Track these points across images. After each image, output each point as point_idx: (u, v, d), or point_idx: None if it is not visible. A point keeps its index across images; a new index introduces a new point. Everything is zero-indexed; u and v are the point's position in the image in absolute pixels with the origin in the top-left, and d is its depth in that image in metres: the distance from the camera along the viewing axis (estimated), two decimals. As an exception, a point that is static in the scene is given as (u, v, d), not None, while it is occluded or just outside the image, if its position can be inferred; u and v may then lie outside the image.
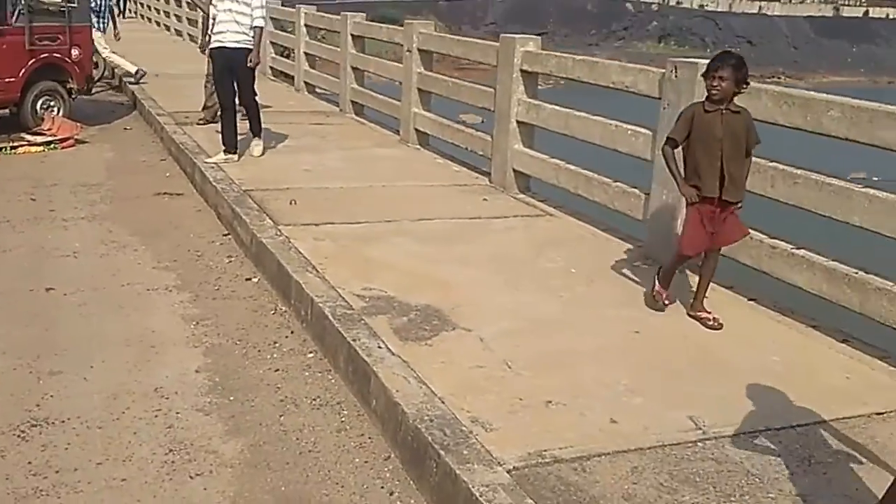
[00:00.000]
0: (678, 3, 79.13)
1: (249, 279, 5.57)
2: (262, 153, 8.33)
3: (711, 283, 4.77)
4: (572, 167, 6.75)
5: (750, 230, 4.75)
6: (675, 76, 5.46)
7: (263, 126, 8.46)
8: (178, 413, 3.86)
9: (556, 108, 7.01)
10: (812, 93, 4.97)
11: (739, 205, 4.52)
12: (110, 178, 8.25)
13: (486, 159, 7.92)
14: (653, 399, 3.71)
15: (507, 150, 7.43)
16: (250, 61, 7.79)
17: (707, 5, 79.14)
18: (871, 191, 4.39)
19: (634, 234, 6.14)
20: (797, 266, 4.69)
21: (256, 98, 8.28)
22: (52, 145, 9.36)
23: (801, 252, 4.72)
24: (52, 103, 10.17)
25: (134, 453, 3.53)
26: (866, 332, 4.48)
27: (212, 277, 5.58)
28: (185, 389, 4.09)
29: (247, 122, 8.31)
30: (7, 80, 9.52)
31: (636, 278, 5.34)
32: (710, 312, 4.63)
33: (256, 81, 8.23)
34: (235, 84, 7.94)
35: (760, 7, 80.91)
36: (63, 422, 3.74)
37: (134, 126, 10.99)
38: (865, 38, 71.44)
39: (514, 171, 7.43)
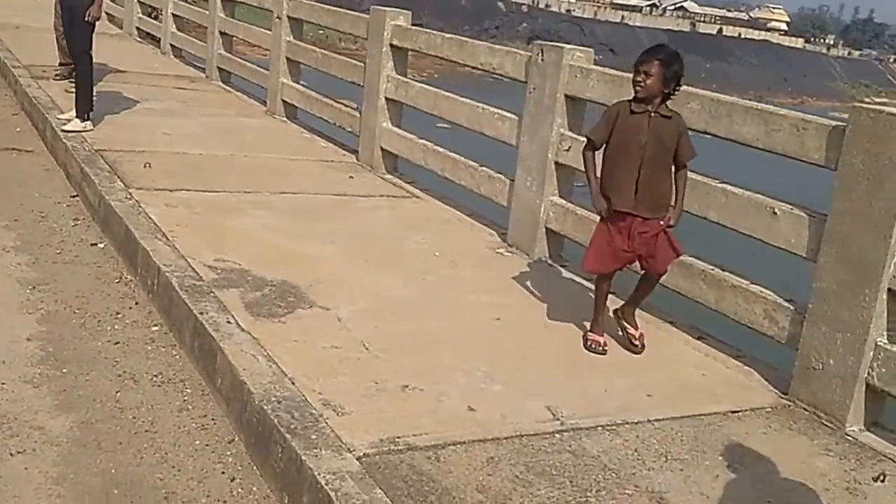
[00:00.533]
0: (547, 6, 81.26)
1: (95, 244, 5.22)
2: (76, 130, 6.96)
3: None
4: (440, 149, 6.69)
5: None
6: (542, 60, 5.46)
7: (124, 87, 7.92)
8: (3, 384, 3.54)
9: (425, 86, 6.94)
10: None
11: (670, 223, 3.98)
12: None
13: (354, 136, 7.75)
14: (512, 388, 3.69)
15: (375, 128, 7.30)
16: (88, 15, 6.93)
17: (574, 11, 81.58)
18: (729, 187, 4.41)
19: (499, 221, 6.14)
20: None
21: (89, 58, 7.21)
22: None
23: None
24: None
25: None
26: (722, 330, 4.59)
27: (55, 240, 5.19)
28: (14, 359, 3.76)
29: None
30: None
31: (499, 265, 5.33)
32: (637, 329, 4.20)
33: (94, 42, 7.30)
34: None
35: (623, 17, 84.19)
36: None
37: (-16, 76, 10.16)
38: (718, 55, 75.40)
39: (382, 149, 7.31)
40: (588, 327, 4.26)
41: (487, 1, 70.26)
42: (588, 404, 3.63)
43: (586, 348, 4.15)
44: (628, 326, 4.22)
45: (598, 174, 4.06)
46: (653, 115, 3.88)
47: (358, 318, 4.17)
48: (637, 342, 4.18)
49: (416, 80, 7.50)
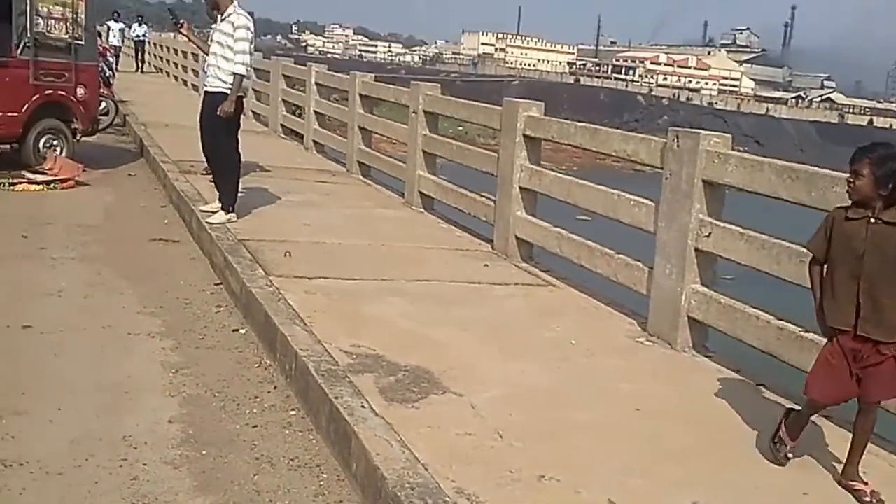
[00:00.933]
0: (688, 99, 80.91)
1: (237, 330, 5.36)
2: (221, 221, 7.23)
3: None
4: (575, 237, 6.59)
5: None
6: (678, 145, 5.33)
7: (267, 181, 8.24)
8: (144, 465, 3.62)
9: (559, 175, 6.89)
10: (816, 168, 4.75)
11: None
12: (107, 220, 8.11)
13: (489, 225, 7.77)
14: (654, 481, 3.46)
15: (509, 217, 7.29)
16: (220, 110, 7.16)
17: (716, 104, 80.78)
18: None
19: (638, 310, 5.93)
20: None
21: (233, 154, 7.55)
22: (52, 185, 9.25)
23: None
24: (54, 142, 10.11)
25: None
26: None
27: (198, 326, 5.38)
28: (156, 440, 3.85)
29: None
30: (9, 114, 9.46)
31: (639, 354, 5.12)
32: (866, 484, 3.48)
33: (238, 138, 7.62)
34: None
35: (768, 109, 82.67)
36: (21, 465, 3.51)
37: (139, 172, 10.91)
38: (871, 146, 72.18)
39: (517, 238, 7.28)
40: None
41: (626, 94, 70.63)
42: (738, 501, 3.35)
43: (773, 445, 3.73)
44: (858, 488, 3.48)
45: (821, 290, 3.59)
46: (872, 220, 3.39)
47: (492, 405, 4.06)
48: (870, 499, 3.43)
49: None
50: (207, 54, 7.49)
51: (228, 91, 7.22)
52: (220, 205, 7.42)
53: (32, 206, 8.28)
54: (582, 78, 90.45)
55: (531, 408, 4.11)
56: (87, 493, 3.36)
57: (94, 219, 8.07)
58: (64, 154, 10.10)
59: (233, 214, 7.40)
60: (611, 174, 17.73)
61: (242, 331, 5.34)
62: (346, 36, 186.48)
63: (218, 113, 7.19)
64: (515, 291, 6.39)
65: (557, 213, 7.25)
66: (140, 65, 28.04)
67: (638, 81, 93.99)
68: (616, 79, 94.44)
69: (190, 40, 8.20)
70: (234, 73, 7.17)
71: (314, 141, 13.15)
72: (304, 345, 4.55)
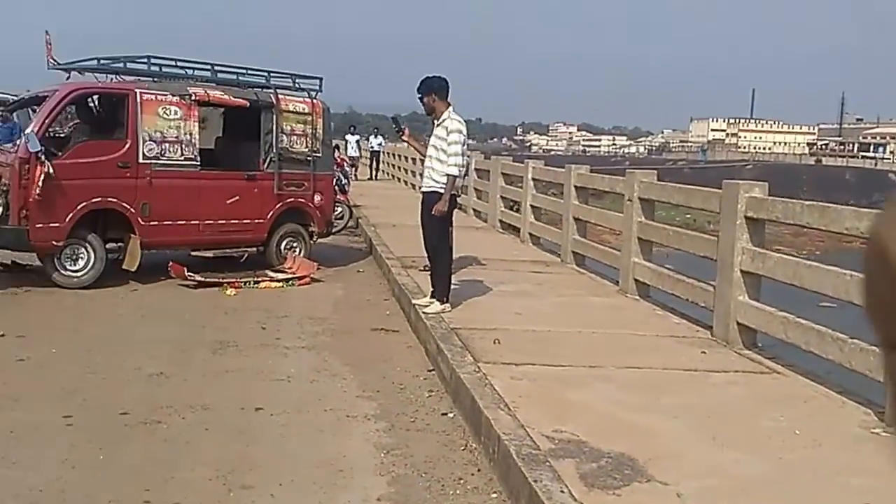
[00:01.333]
0: (951, 174, 74.18)
1: (445, 414, 5.50)
2: (436, 312, 7.50)
3: None
4: (802, 321, 6.18)
5: None
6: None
7: (482, 273, 8.41)
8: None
9: (784, 256, 6.55)
10: None
11: None
12: (335, 313, 8.67)
13: (708, 311, 7.49)
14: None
15: (729, 302, 6.99)
16: (435, 210, 7.51)
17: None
18: None
19: (875, 398, 5.43)
20: None
21: (446, 249, 7.84)
22: (290, 282, 10.06)
23: None
24: (294, 244, 11.04)
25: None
26: None
27: (410, 409, 5.57)
28: (363, 518, 4.01)
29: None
30: (256, 220, 10.49)
31: (873, 446, 4.67)
32: None
33: (452, 234, 7.94)
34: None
35: None
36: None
37: (367, 269, 11.60)
38: None
39: (738, 324, 6.94)
40: None
41: (875, 173, 65.92)
42: None
43: None
44: None
45: None
46: None
47: (700, 495, 3.86)
48: None
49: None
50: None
51: (442, 191, 7.56)
52: (435, 297, 7.71)
53: (272, 301, 9.03)
54: (823, 158, 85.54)
55: (744, 499, 3.86)
56: (299, 564, 3.54)
57: (324, 311, 8.66)
58: (302, 254, 10.99)
59: (447, 305, 7.66)
60: (856, 256, 16.53)
61: (451, 414, 5.47)
62: (570, 133, 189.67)
63: (433, 212, 7.55)
64: (735, 379, 6.07)
65: (796, 300, 6.86)
66: (374, 173, 30.13)
67: (889, 158, 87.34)
68: (863, 157, 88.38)
69: (410, 145, 8.73)
70: (448, 175, 7.52)
71: (530, 234, 13.40)
72: (507, 429, 4.58)
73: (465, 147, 7.85)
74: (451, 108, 7.70)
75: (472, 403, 5.13)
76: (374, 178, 29.74)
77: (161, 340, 7.11)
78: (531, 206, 13.48)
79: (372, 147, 30.50)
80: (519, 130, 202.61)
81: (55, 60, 9.89)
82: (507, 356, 6.17)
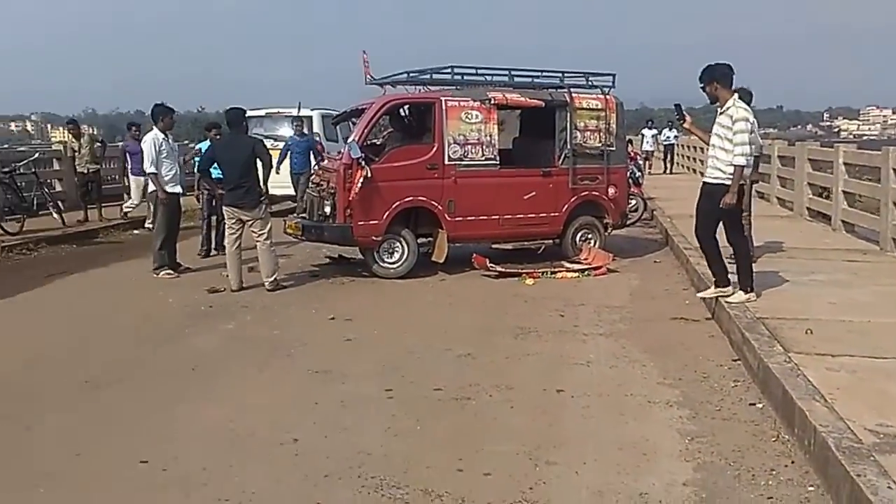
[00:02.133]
0: None
1: (753, 404, 5.31)
2: (740, 301, 7.28)
3: None
4: None
5: None
6: None
7: (790, 263, 7.93)
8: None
9: None
10: None
11: None
12: (632, 302, 8.65)
13: None
14: None
15: None
16: (722, 203, 7.16)
17: None
18: None
19: None
20: None
21: (742, 239, 7.62)
22: (585, 272, 10.19)
23: None
24: (589, 236, 11.16)
25: (609, 549, 3.54)
26: None
27: (714, 398, 5.45)
28: (671, 500, 4.01)
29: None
30: (552, 214, 10.76)
31: None
32: None
33: (747, 224, 7.73)
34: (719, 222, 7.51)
35: None
36: (546, 510, 3.93)
37: (663, 259, 11.43)
38: None
39: None
40: None
41: None
42: None
43: None
44: None
45: None
46: None
47: None
48: None
49: None
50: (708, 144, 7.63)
51: (728, 182, 7.21)
52: (739, 286, 7.43)
53: (568, 291, 9.21)
54: None
55: None
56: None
57: (620, 300, 8.67)
58: (597, 245, 11.08)
59: (752, 294, 7.35)
60: None
61: (759, 405, 5.27)
62: (884, 116, 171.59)
63: (720, 205, 7.22)
64: None
65: None
66: (669, 166, 29.33)
67: None
68: None
69: (693, 133, 8.46)
70: (734, 165, 7.16)
71: (843, 221, 12.39)
72: (824, 421, 4.34)
73: (754, 135, 7.49)
74: (735, 96, 7.35)
75: (784, 394, 4.91)
76: (668, 171, 28.96)
77: (467, 325, 7.55)
78: (843, 191, 12.48)
79: (667, 140, 29.73)
80: (825, 116, 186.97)
81: (372, 76, 10.84)
82: (820, 347, 5.81)
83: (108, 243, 13.37)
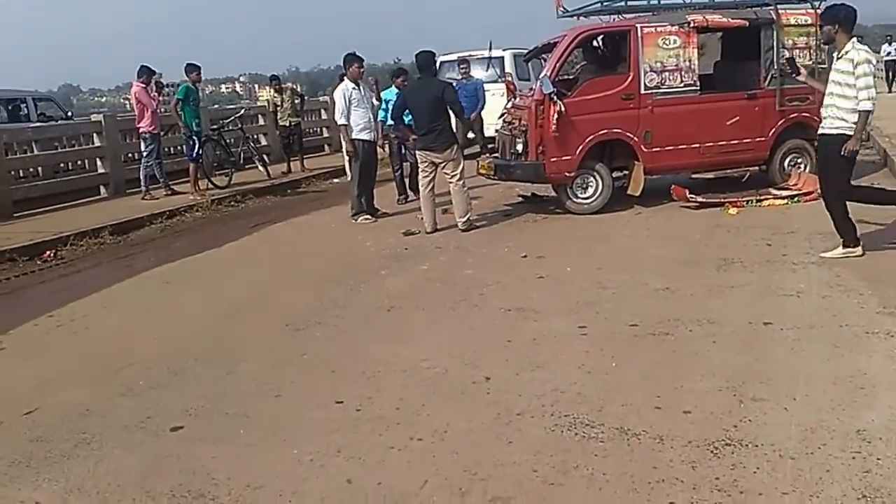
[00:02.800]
0: None
1: None
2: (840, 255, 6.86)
3: None
4: None
5: None
6: None
7: None
8: (878, 459, 3.49)
9: None
10: None
11: None
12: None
13: None
14: None
15: None
16: (845, 150, 6.63)
17: None
18: None
19: None
20: None
21: (843, 193, 6.97)
22: (795, 199, 9.51)
23: None
24: (798, 160, 10.39)
25: (822, 490, 3.31)
26: None
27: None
28: (893, 437, 3.67)
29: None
30: (758, 139, 10.09)
31: None
32: None
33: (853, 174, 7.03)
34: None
35: None
36: (757, 446, 3.71)
37: (882, 182, 10.38)
38: None
39: None
40: None
41: None
42: None
43: None
44: None
45: None
46: None
47: None
48: None
49: None
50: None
51: (849, 133, 6.65)
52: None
53: (776, 218, 8.64)
54: None
55: None
56: (818, 479, 3.39)
57: (830, 227, 8.01)
58: (807, 170, 10.29)
59: (857, 248, 6.87)
60: None
61: None
62: None
63: (842, 153, 6.68)
64: None
65: None
66: (891, 85, 26.80)
67: None
68: None
69: (809, 83, 7.93)
70: (861, 111, 6.58)
71: None
72: None
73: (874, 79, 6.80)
74: (854, 40, 6.72)
75: None
76: (890, 89, 26.35)
77: (666, 259, 7.27)
78: None
79: (888, 54, 27.01)
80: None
81: (564, 8, 10.55)
82: None
83: (311, 192, 14.07)
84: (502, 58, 16.22)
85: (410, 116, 9.32)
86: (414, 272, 7.56)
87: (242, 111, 17.04)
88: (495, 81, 14.89)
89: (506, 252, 7.97)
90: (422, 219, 9.35)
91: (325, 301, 6.75)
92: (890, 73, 26.86)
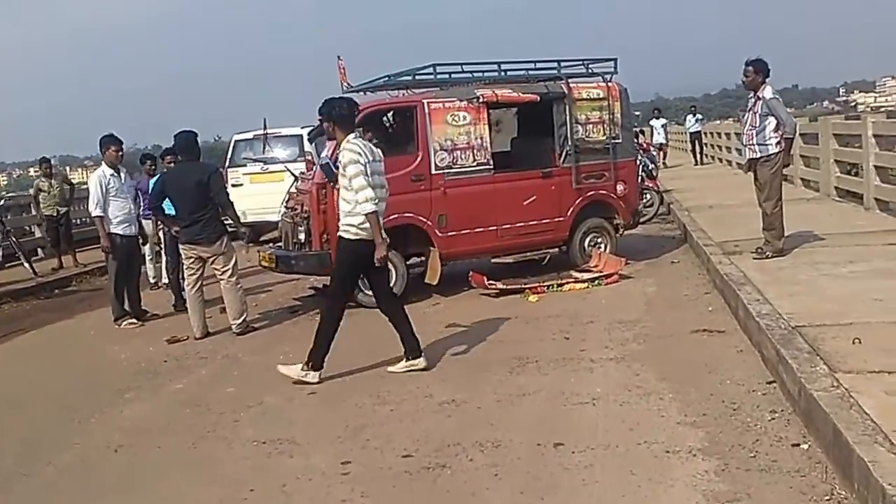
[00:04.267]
0: None
1: (797, 445, 4.25)
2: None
3: None
4: None
5: None
6: None
7: (823, 251, 7.16)
8: None
9: None
10: None
11: None
12: (648, 313, 7.60)
13: None
14: None
15: None
16: (377, 259, 6.14)
17: None
18: None
19: None
20: None
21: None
22: (596, 281, 9.14)
23: None
24: (598, 240, 10.12)
25: None
26: None
27: (748, 440, 4.38)
28: None
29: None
30: (556, 219, 9.72)
31: None
32: None
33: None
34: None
35: None
36: None
37: (682, 259, 10.37)
38: None
39: None
40: None
41: None
42: None
43: None
44: None
45: None
46: None
47: None
48: None
49: None
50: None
51: (367, 235, 6.09)
52: None
53: (576, 305, 8.18)
54: None
55: None
56: None
57: (634, 312, 7.62)
58: (608, 250, 10.03)
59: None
60: None
61: (804, 446, 4.21)
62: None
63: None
64: None
65: None
66: (699, 157, 26.28)
67: None
68: None
69: None
70: (366, 215, 5.99)
71: (876, 199, 11.22)
72: (893, 477, 3.26)
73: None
74: (350, 137, 6.17)
75: (835, 434, 3.84)
76: (699, 162, 26.04)
77: (459, 360, 6.54)
78: (875, 166, 11.31)
79: (692, 127, 26.60)
80: (841, 91, 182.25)
81: (349, 84, 9.88)
82: (874, 361, 4.73)
83: (83, 291, 12.38)
84: (300, 136, 15.42)
85: (171, 205, 8.19)
86: (164, 394, 6.40)
87: (2, 200, 15.11)
88: (294, 161, 14.03)
89: (281, 360, 6.97)
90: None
91: (44, 441, 5.48)
92: (695, 145, 26.45)
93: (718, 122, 32.29)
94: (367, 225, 6.00)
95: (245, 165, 15.70)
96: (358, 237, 6.09)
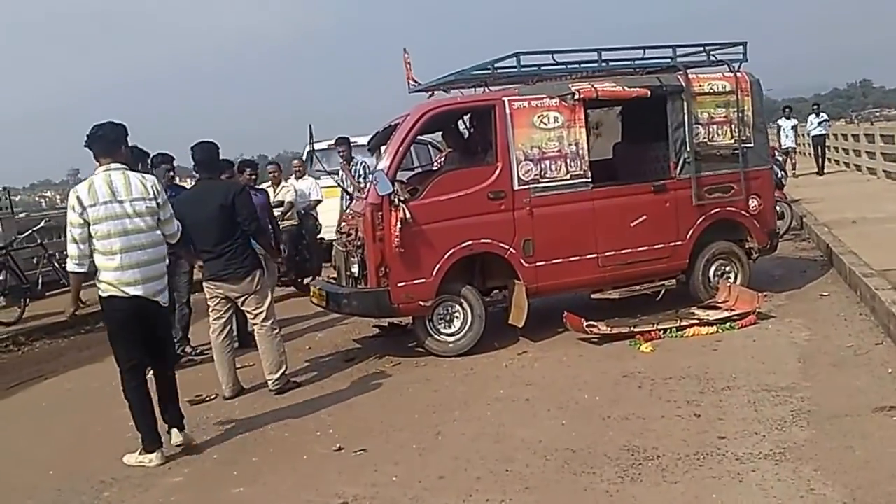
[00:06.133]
0: None
1: None
2: None
3: None
4: None
5: None
6: None
7: None
8: None
9: None
10: None
11: None
12: (806, 374, 5.70)
13: None
14: None
15: None
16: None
17: None
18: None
19: None
20: None
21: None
22: (727, 323, 7.23)
23: None
24: (727, 268, 8.18)
25: None
26: None
27: None
28: None
29: None
30: (673, 244, 7.82)
31: None
32: None
33: None
34: None
35: None
36: None
37: (832, 290, 8.31)
38: None
39: None
40: None
41: None
42: None
43: None
44: None
45: None
46: None
47: None
48: None
49: None
50: None
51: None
52: None
53: (705, 359, 6.31)
54: None
55: None
56: None
57: (785, 374, 5.72)
58: (739, 281, 8.09)
59: None
60: None
61: None
62: None
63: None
64: None
65: None
66: (821, 162, 22.35)
67: None
68: None
69: None
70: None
71: None
72: None
73: None
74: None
75: None
76: (820, 171, 22.04)
77: (544, 449, 4.77)
78: None
79: (815, 129, 22.40)
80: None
81: (416, 81, 8.30)
82: None
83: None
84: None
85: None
86: (156, 491, 4.81)
87: (43, 222, 13.93)
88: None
89: (316, 439, 5.32)
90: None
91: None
92: (818, 150, 22.59)
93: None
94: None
95: (319, 179, 14.33)
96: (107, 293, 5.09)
